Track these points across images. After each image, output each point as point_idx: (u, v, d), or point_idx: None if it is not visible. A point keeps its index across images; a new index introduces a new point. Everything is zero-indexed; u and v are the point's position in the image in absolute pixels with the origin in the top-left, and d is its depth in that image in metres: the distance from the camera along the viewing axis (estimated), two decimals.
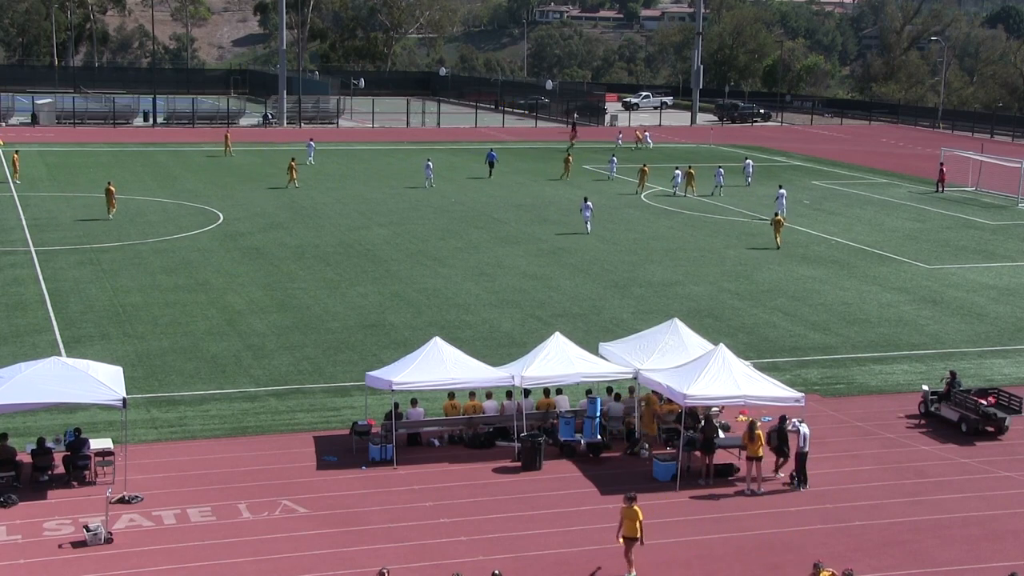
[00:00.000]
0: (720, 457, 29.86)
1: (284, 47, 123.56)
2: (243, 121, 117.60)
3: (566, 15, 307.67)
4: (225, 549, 24.83)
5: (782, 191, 66.80)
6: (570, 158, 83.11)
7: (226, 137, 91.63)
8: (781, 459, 29.54)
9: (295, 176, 74.17)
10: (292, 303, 45.44)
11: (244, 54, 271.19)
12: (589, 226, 61.15)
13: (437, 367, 30.55)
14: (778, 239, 58.53)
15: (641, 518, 24.16)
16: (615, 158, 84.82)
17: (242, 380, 36.15)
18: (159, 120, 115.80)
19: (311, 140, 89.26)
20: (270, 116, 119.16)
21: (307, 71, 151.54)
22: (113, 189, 62.75)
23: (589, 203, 62.11)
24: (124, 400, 27.89)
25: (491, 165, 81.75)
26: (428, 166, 76.91)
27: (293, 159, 76.79)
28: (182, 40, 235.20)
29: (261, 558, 24.52)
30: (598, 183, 79.64)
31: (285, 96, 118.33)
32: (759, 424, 29.24)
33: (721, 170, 76.81)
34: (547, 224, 63.44)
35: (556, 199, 71.89)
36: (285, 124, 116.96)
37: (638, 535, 24.11)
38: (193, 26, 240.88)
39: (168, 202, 66.05)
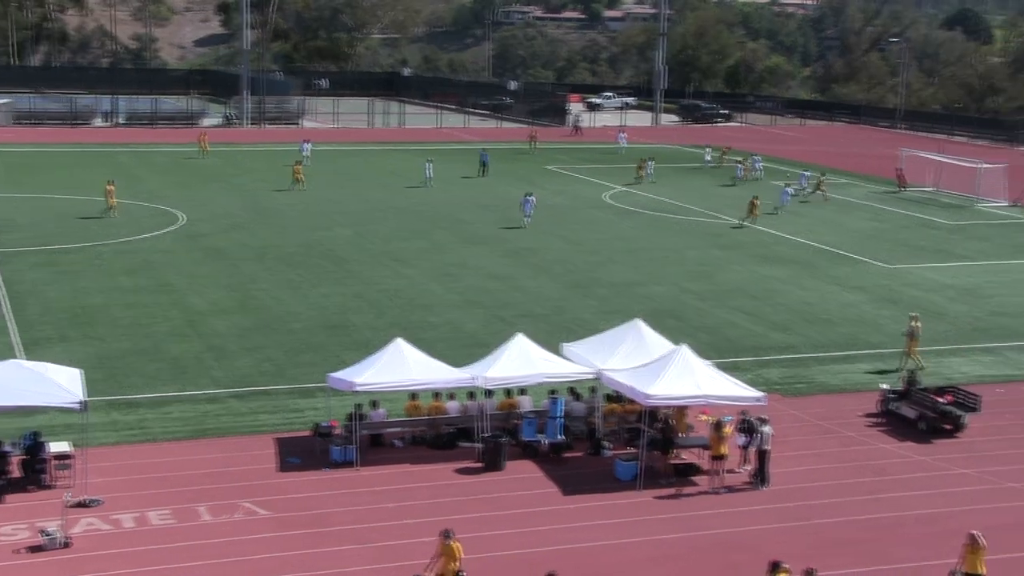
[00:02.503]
0: (683, 457, 30.00)
1: (247, 47, 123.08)
2: (205, 121, 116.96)
3: (530, 16, 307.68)
4: (185, 552, 24.70)
5: (787, 189, 71.00)
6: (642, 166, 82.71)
7: (202, 137, 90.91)
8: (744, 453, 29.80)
9: (301, 178, 73.88)
10: (254, 304, 45.27)
11: (206, 54, 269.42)
12: (528, 220, 61.75)
13: (399, 368, 30.51)
14: (751, 215, 64.27)
15: (460, 556, 22.65)
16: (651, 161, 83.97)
17: (203, 382, 35.97)
18: (120, 120, 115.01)
19: (306, 140, 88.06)
20: (232, 116, 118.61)
21: (270, 71, 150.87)
22: (112, 188, 62.72)
23: (531, 197, 62.98)
24: (84, 403, 27.70)
25: (483, 165, 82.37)
26: (427, 167, 77.43)
27: (298, 162, 76.55)
28: (143, 40, 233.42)
29: (222, 561, 24.41)
30: (568, 184, 79.74)
31: (248, 96, 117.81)
32: (725, 423, 29.39)
33: (789, 190, 72.38)
34: (509, 224, 63.45)
35: (518, 200, 71.84)
36: (248, 124, 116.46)
37: None
38: (154, 26, 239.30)
39: (129, 203, 65.61)
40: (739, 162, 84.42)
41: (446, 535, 22.88)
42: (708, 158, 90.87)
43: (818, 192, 75.53)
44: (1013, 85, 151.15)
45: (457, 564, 22.66)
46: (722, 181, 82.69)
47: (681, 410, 31.57)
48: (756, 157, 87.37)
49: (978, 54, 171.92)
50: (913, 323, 39.23)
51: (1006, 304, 48.57)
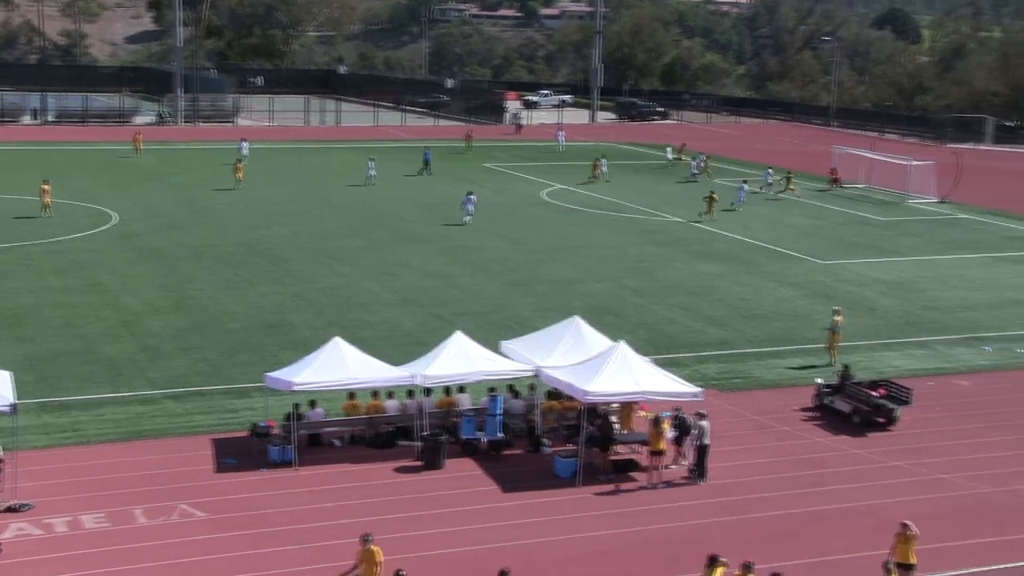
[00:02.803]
0: (621, 453, 30.13)
1: (180, 44, 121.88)
2: (138, 119, 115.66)
3: (466, 13, 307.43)
4: (120, 556, 24.40)
5: (744, 185, 71.85)
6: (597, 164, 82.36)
7: (136, 136, 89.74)
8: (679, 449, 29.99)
9: (241, 176, 73.25)
10: (190, 304, 44.85)
11: (138, 51, 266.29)
12: (469, 219, 61.83)
13: (338, 367, 30.37)
14: (710, 211, 66.06)
15: (380, 560, 22.45)
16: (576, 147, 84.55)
17: (138, 383, 35.57)
18: (50, 118, 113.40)
19: (243, 139, 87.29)
20: (166, 114, 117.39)
21: (204, 69, 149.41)
22: (47, 188, 61.80)
23: (472, 196, 62.99)
24: (14, 406, 27.25)
25: (426, 163, 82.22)
26: (369, 165, 77.07)
27: (239, 160, 75.71)
28: (72, 36, 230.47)
29: (158, 564, 24.15)
30: (506, 182, 79.75)
31: (182, 94, 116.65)
32: (664, 419, 29.54)
33: (745, 187, 72.80)
34: (448, 223, 63.38)
35: (458, 198, 71.78)
36: (181, 122, 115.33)
37: None
38: (84, 22, 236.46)
39: (62, 202, 64.69)
40: (705, 165, 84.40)
41: (365, 539, 22.64)
42: (670, 156, 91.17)
43: (788, 190, 76.38)
44: (941, 84, 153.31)
45: (378, 569, 22.41)
46: (672, 179, 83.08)
47: (628, 407, 31.68)
48: (702, 156, 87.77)
49: (907, 53, 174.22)
50: (835, 318, 39.69)
51: (937, 299, 49.26)
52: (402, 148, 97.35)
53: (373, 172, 76.52)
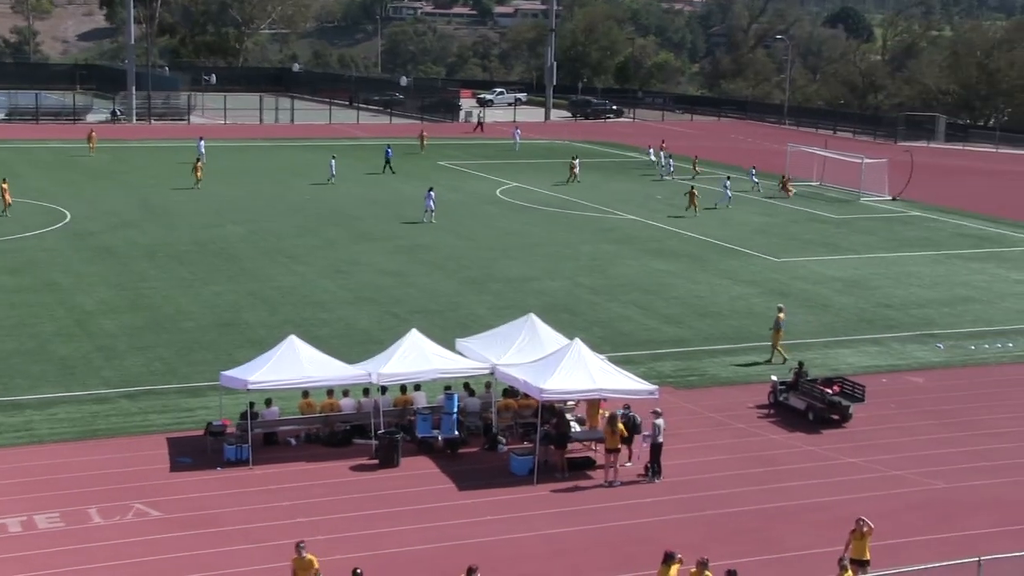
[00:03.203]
0: (577, 451, 30.21)
1: (132, 42, 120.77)
2: (90, 117, 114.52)
3: (420, 11, 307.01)
4: (75, 556, 24.21)
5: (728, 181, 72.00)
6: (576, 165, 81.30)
7: (90, 135, 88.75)
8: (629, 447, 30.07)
9: (200, 175, 72.48)
10: (144, 303, 44.53)
11: (90, 49, 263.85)
12: (432, 217, 61.77)
13: (293, 366, 30.26)
14: (692, 206, 67.29)
15: (316, 568, 22.17)
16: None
17: (92, 382, 35.28)
18: (1, 116, 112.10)
19: (201, 138, 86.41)
20: (119, 112, 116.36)
21: (156, 66, 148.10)
22: (6, 186, 61.06)
23: (432, 192, 62.93)
24: None
25: (388, 161, 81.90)
26: (331, 164, 76.65)
27: (198, 159, 74.86)
28: (23, 33, 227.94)
29: (113, 564, 23.98)
30: (462, 180, 79.70)
31: (134, 92, 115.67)
32: (619, 417, 29.62)
33: (728, 182, 72.69)
34: (404, 221, 63.28)
35: (413, 196, 71.70)
36: (135, 120, 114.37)
37: None
38: (35, 19, 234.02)
39: (14, 201, 63.94)
40: (693, 165, 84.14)
41: (299, 548, 22.37)
42: (652, 158, 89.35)
43: (782, 191, 77.11)
44: (892, 83, 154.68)
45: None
46: (626, 177, 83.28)
47: (595, 404, 31.68)
48: (662, 152, 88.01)
49: (859, 52, 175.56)
50: (779, 315, 39.95)
51: (890, 296, 49.70)
52: (362, 146, 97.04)
53: (335, 170, 76.06)
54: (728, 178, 73.32)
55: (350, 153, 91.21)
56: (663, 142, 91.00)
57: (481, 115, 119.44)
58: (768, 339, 40.22)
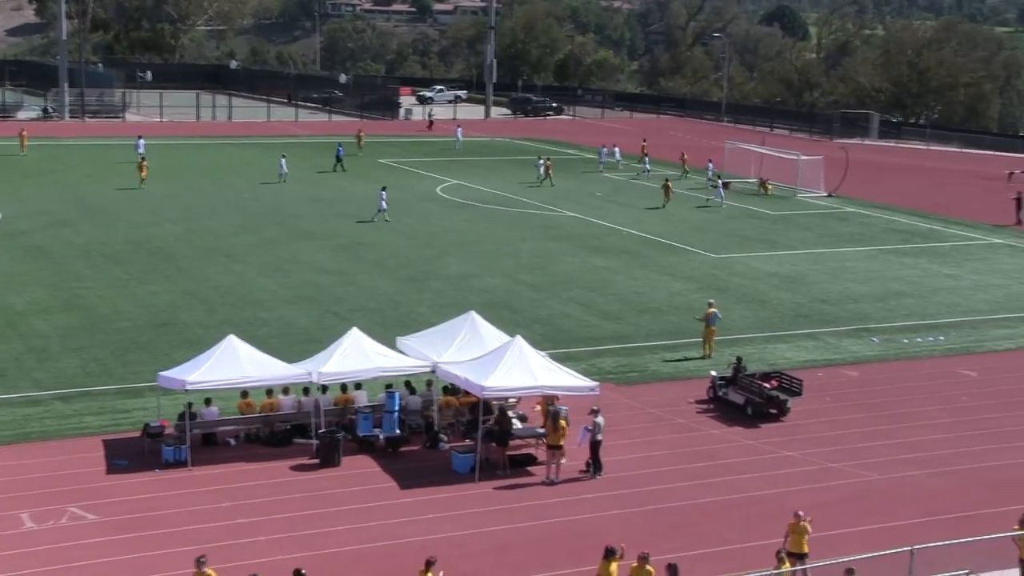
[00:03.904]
0: (519, 447, 30.24)
1: (64, 37, 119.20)
2: (21, 115, 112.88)
3: (359, 8, 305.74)
4: (7, 562, 23.84)
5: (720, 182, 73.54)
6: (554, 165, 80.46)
7: (21, 133, 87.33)
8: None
9: (144, 175, 71.25)
10: (78, 303, 44.00)
11: (20, 44, 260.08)
12: (384, 216, 61.59)
13: (232, 365, 30.05)
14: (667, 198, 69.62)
15: None
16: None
17: (24, 384, 34.80)
18: None
19: (139, 136, 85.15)
20: (51, 109, 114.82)
21: (90, 63, 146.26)
22: None
23: (384, 192, 62.77)
24: None
25: (339, 159, 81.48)
26: (282, 163, 75.92)
27: (143, 159, 73.51)
28: None
29: (48, 569, 23.67)
30: (402, 178, 79.48)
31: (67, 89, 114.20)
32: (562, 414, 29.67)
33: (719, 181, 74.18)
34: (343, 219, 63.04)
35: (353, 194, 71.51)
36: (67, 118, 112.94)
37: None
38: None
39: None
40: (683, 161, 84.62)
41: (199, 562, 21.88)
42: (613, 158, 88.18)
43: (761, 189, 77.98)
44: (828, 80, 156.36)
45: None
46: (571, 174, 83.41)
47: (549, 399, 31.62)
48: (604, 149, 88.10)
49: (795, 50, 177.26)
50: (709, 310, 40.22)
51: (826, 291, 50.22)
52: (303, 144, 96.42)
53: (285, 169, 75.41)
54: (718, 176, 73.78)
55: (290, 151, 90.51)
56: (644, 141, 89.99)
57: (431, 113, 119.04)
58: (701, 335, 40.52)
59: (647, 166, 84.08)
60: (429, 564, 21.74)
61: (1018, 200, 69.82)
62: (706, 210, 70.30)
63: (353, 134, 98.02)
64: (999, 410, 35.50)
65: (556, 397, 30.64)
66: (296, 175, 76.61)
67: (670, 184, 71.12)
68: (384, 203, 62.42)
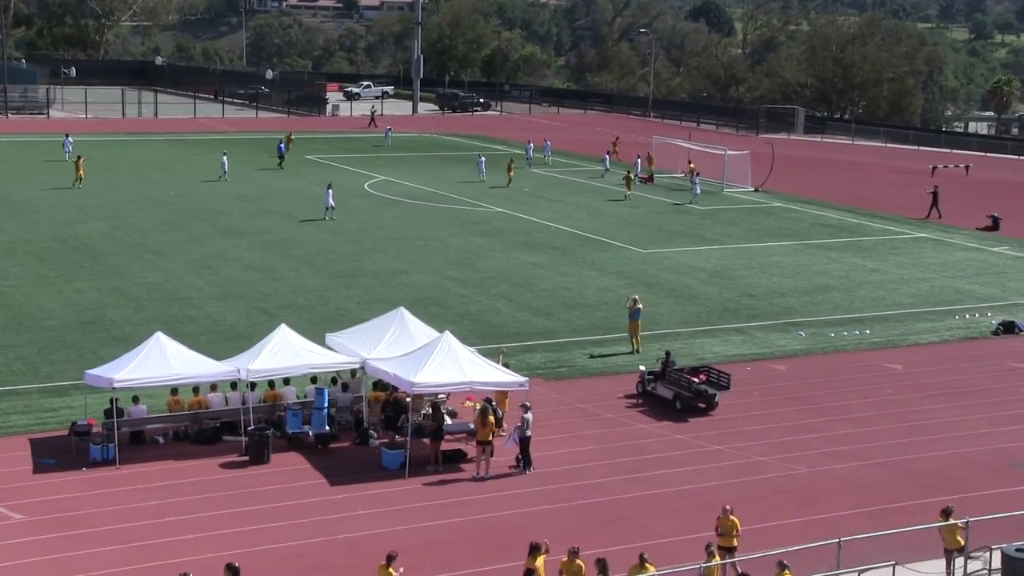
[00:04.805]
0: (449, 443, 30.31)
1: None
2: None
3: (285, 4, 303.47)
4: None
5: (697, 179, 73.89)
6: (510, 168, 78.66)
7: None
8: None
9: (82, 174, 69.74)
10: (2, 301, 43.38)
11: None
12: (332, 214, 61.26)
13: (160, 363, 29.85)
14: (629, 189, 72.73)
15: None
16: (483, 157, 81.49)
17: None
18: None
19: (67, 135, 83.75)
20: None
21: (12, 59, 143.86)
22: None
23: (330, 190, 62.48)
24: None
25: (281, 156, 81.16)
26: (223, 160, 75.01)
27: (80, 157, 71.72)
28: None
29: None
30: (329, 174, 79.10)
31: None
32: (491, 409, 29.77)
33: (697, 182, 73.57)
34: (271, 215, 62.67)
35: (280, 190, 71.10)
36: None
37: None
38: None
39: None
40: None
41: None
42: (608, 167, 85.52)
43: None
44: (753, 76, 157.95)
45: None
46: (499, 172, 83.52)
47: (503, 394, 31.69)
48: (531, 145, 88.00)
49: (721, 45, 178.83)
50: (636, 305, 40.44)
51: (754, 285, 50.78)
52: (238, 141, 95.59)
53: (227, 167, 74.52)
54: (697, 174, 73.99)
55: (218, 148, 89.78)
56: (616, 140, 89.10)
57: (373, 109, 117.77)
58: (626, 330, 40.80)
59: (608, 165, 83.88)
60: (390, 559, 21.84)
61: (934, 195, 71.04)
62: (635, 205, 70.56)
63: (281, 131, 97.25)
64: (924, 402, 36.15)
65: (489, 399, 30.64)
66: (216, 171, 75.72)
67: (631, 176, 74.85)
68: (331, 200, 62.00)
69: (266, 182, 73.90)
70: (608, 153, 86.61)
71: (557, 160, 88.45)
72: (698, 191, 72.50)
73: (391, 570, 21.76)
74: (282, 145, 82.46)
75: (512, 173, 77.12)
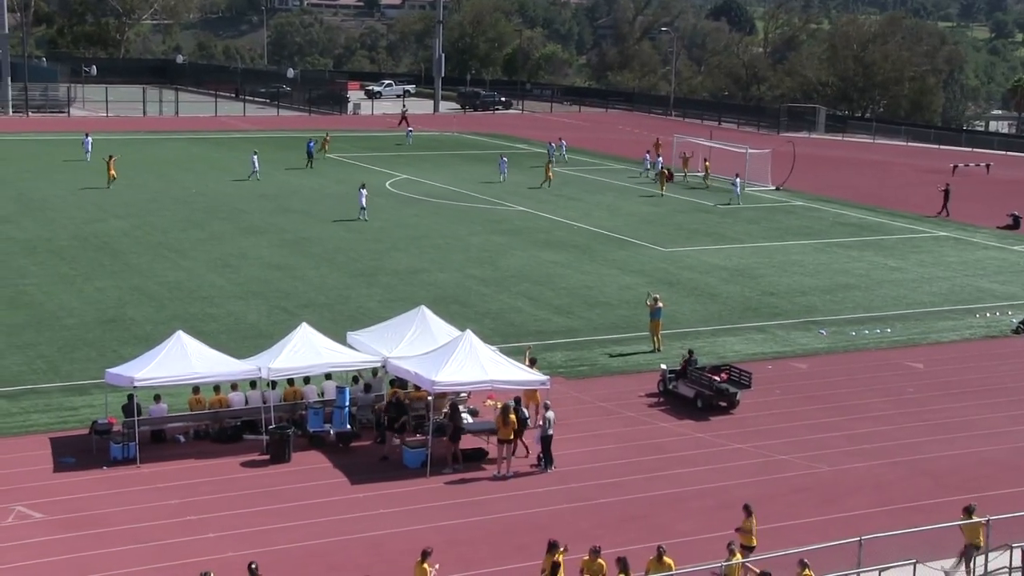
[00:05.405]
0: (470, 442, 30.25)
1: (7, 31, 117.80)
2: None
3: (306, 3, 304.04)
4: None
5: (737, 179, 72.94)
6: (550, 169, 77.60)
7: None
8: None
9: (113, 174, 69.78)
10: (23, 300, 43.51)
11: None
12: (364, 214, 61.11)
13: (181, 361, 29.85)
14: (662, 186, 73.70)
15: None
16: (505, 158, 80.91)
17: None
18: None
19: (87, 134, 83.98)
20: None
21: (33, 57, 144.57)
22: None
23: (363, 190, 62.36)
24: None
25: (310, 156, 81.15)
26: (254, 159, 74.85)
27: (111, 156, 71.69)
28: None
29: None
30: (351, 172, 79.20)
31: (10, 83, 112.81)
32: (512, 408, 29.69)
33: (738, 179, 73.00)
34: (291, 214, 62.75)
35: (300, 189, 71.20)
36: (11, 113, 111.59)
37: None
38: None
39: None
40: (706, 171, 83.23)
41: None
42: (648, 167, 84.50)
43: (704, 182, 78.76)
44: (774, 74, 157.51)
45: None
46: (522, 169, 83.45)
47: (531, 393, 31.58)
48: (553, 145, 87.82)
49: (742, 44, 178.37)
50: (657, 304, 40.27)
51: (775, 284, 50.59)
52: (258, 140, 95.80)
53: (257, 165, 74.45)
54: (737, 175, 73.41)
55: (239, 147, 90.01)
56: (658, 141, 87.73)
57: (404, 108, 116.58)
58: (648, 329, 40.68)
59: (648, 165, 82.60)
60: (425, 555, 21.89)
61: (946, 192, 70.74)
62: (655, 204, 70.43)
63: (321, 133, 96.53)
64: (944, 401, 35.96)
65: (517, 399, 30.50)
66: (240, 170, 75.87)
67: (667, 172, 75.92)
68: (364, 200, 61.83)
69: (286, 181, 73.97)
70: (648, 153, 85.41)
71: (576, 158, 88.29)
72: (739, 191, 71.85)
73: (426, 566, 21.79)
74: (311, 144, 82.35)
75: (551, 174, 75.90)
